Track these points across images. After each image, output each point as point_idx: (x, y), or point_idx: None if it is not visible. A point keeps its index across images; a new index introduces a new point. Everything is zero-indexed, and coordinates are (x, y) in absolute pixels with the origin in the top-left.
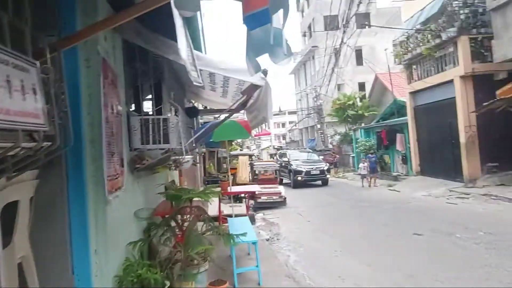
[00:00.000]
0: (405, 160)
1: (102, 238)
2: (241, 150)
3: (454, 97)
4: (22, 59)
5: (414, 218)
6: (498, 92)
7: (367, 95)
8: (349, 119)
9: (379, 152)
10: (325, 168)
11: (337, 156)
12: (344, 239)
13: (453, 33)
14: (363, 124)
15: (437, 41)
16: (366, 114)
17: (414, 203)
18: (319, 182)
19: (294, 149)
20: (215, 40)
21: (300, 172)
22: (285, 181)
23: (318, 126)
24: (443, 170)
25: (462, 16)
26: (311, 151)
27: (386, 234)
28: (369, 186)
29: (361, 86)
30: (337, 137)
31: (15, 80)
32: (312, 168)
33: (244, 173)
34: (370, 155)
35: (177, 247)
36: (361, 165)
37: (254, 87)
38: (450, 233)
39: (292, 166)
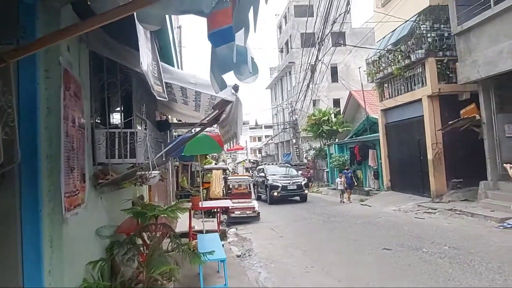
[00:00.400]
0: (377, 175)
1: (57, 258)
2: (216, 163)
3: (422, 116)
4: None
5: (384, 232)
6: (462, 111)
7: (341, 111)
8: (324, 134)
9: (352, 167)
10: (303, 183)
11: (312, 171)
12: (315, 255)
13: (421, 55)
14: (337, 140)
15: (407, 61)
16: (340, 129)
17: (384, 218)
18: (298, 198)
19: (272, 163)
20: (196, 54)
21: (276, 187)
22: (263, 197)
23: (294, 140)
24: (412, 186)
25: (429, 39)
26: (289, 165)
27: (357, 249)
28: (347, 201)
29: (336, 102)
30: (312, 152)
31: None
32: (289, 183)
33: (217, 188)
34: (346, 170)
35: (139, 267)
36: (337, 180)
37: (224, 102)
38: (417, 248)
39: (268, 181)
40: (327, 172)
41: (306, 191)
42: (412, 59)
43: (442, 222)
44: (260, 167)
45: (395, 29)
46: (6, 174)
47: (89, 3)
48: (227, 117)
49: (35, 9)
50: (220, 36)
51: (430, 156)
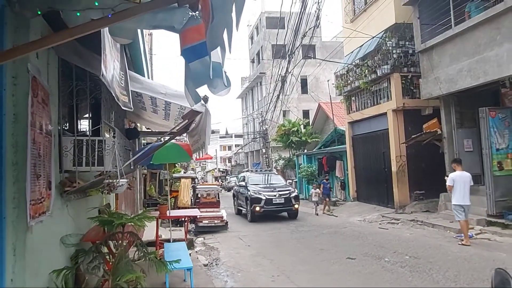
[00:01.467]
0: (344, 186)
1: (20, 266)
2: (185, 172)
3: (387, 129)
4: None
5: (349, 242)
6: (424, 126)
7: (310, 123)
8: (293, 145)
9: (319, 177)
10: (293, 195)
11: None
12: (282, 264)
13: (387, 70)
14: (306, 150)
15: (373, 76)
16: (309, 140)
17: (349, 228)
18: (286, 214)
19: (256, 170)
20: (167, 60)
21: (258, 201)
22: (244, 211)
23: (263, 150)
24: (377, 197)
25: (395, 55)
26: (275, 173)
27: (322, 258)
28: (323, 213)
29: (305, 114)
30: (281, 162)
31: None
32: (275, 196)
33: (186, 196)
34: (325, 181)
35: (105, 275)
36: (312, 191)
37: (194, 113)
38: (380, 257)
39: (249, 193)
40: (296, 182)
41: (296, 205)
42: (378, 74)
43: (405, 232)
44: (242, 174)
45: (362, 44)
46: None
47: (61, 16)
48: (196, 126)
49: (3, 16)
50: (193, 52)
51: (394, 168)
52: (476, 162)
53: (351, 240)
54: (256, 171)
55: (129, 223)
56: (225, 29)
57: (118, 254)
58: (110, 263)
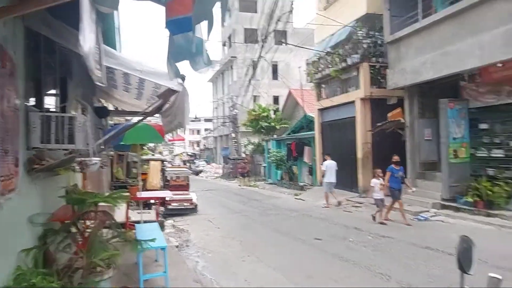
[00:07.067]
0: (311, 171)
1: None
2: (153, 155)
3: (355, 117)
4: None
5: (316, 224)
6: (389, 115)
7: (280, 109)
8: (262, 130)
9: (288, 163)
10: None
11: (250, 165)
12: (251, 245)
13: (357, 60)
14: (275, 136)
15: (343, 65)
16: (278, 126)
17: (316, 211)
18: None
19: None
20: (137, 41)
21: None
22: None
23: (233, 135)
24: (343, 182)
25: (364, 45)
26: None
27: (291, 239)
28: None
29: (276, 99)
30: (250, 147)
31: None
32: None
33: (155, 179)
34: (393, 166)
35: (78, 253)
36: (374, 182)
37: (170, 91)
38: (345, 238)
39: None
40: (264, 167)
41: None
42: (348, 63)
43: (367, 214)
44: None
45: (334, 33)
46: None
47: None
48: (170, 107)
49: None
50: (178, 25)
51: (359, 154)
52: (434, 150)
53: (318, 222)
54: None
55: (102, 203)
56: (220, 1)
57: (92, 232)
58: (80, 243)
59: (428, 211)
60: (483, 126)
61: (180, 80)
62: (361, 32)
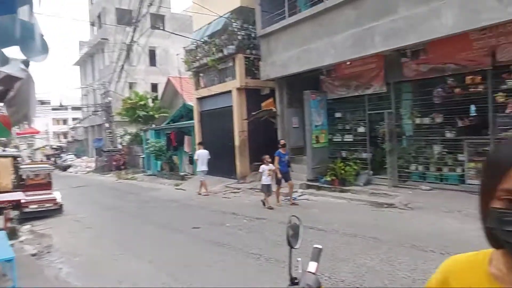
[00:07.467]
0: (191, 160)
1: None
2: (4, 150)
3: (232, 106)
4: None
5: (195, 213)
6: (262, 104)
7: (159, 97)
8: (140, 120)
9: (168, 153)
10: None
11: (127, 157)
12: (126, 241)
13: (232, 50)
14: (154, 125)
15: (220, 55)
16: (157, 115)
17: (196, 200)
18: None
19: None
20: None
21: None
22: None
23: (107, 125)
24: (222, 169)
25: (239, 37)
26: None
27: (169, 230)
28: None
29: (154, 87)
30: (127, 138)
31: None
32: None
33: (5, 179)
34: (281, 150)
35: None
36: (263, 168)
37: (11, 78)
38: (222, 223)
39: None
40: (143, 158)
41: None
42: (225, 53)
43: (244, 199)
44: None
45: (211, 22)
46: None
47: None
48: (15, 95)
49: None
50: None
51: (237, 142)
52: (300, 136)
53: (198, 211)
54: None
55: None
56: None
57: None
58: None
59: (296, 191)
60: (338, 115)
61: (23, 66)
62: (235, 24)
